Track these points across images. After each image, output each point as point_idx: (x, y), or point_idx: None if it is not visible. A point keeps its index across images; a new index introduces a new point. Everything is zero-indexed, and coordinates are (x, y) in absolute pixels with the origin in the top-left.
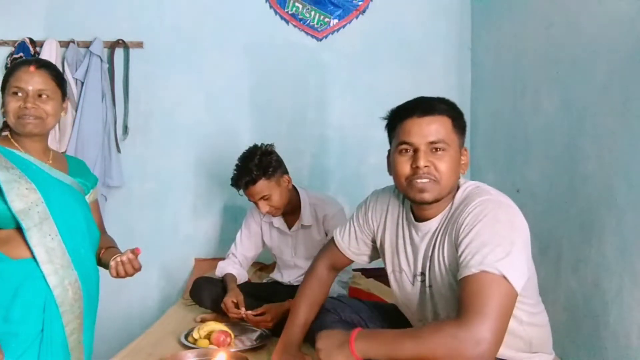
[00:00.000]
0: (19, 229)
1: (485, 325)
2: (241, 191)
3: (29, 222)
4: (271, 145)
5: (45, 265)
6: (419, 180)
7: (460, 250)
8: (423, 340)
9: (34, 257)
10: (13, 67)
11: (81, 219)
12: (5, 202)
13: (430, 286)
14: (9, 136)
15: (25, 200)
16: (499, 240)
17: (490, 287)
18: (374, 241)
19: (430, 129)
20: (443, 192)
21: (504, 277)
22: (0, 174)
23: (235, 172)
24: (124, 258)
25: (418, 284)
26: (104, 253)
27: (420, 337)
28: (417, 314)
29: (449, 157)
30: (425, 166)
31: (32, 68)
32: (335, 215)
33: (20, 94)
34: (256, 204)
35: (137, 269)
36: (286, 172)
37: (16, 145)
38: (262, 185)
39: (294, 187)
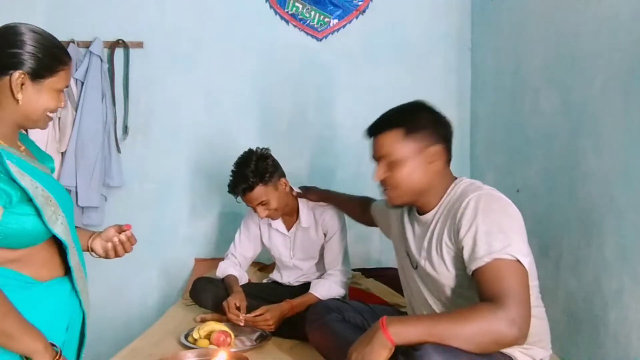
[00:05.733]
0: (40, 245)
1: (515, 306)
2: (239, 198)
3: (67, 239)
4: (267, 149)
5: (79, 282)
6: (382, 190)
7: (465, 246)
8: (459, 320)
9: (66, 275)
10: (59, 58)
11: (72, 216)
12: (43, 221)
13: (428, 274)
14: None
15: (55, 216)
16: (498, 228)
17: (508, 272)
18: (388, 225)
19: (379, 146)
20: (405, 196)
21: (517, 260)
22: (29, 189)
23: (231, 178)
24: (123, 237)
25: (418, 269)
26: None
27: (456, 318)
28: (416, 299)
29: (403, 166)
30: (380, 180)
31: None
32: (333, 215)
33: (60, 92)
34: (254, 209)
35: (134, 244)
36: (283, 176)
37: None
38: (260, 191)
39: (291, 188)
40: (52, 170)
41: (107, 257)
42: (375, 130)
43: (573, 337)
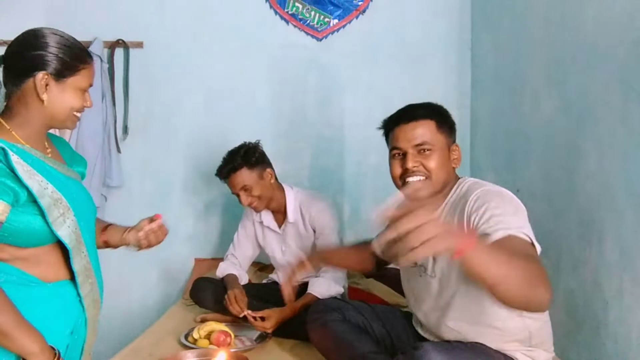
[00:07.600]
0: (49, 246)
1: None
2: (224, 182)
3: (71, 243)
4: (257, 141)
5: (83, 286)
6: (410, 179)
7: (478, 224)
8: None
9: (73, 279)
10: (80, 57)
11: (93, 222)
12: (47, 222)
13: (434, 276)
14: (4, 124)
15: (63, 218)
16: (512, 211)
17: (526, 247)
18: None
19: (415, 134)
20: (436, 186)
21: (532, 244)
22: (35, 188)
23: (221, 163)
24: (154, 226)
25: (427, 272)
26: (109, 231)
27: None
28: (422, 303)
29: (436, 155)
30: (414, 166)
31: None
32: (321, 210)
33: (84, 92)
34: (238, 195)
35: (166, 233)
36: (270, 167)
37: (17, 137)
38: (244, 175)
39: (280, 185)
40: (82, 175)
41: (140, 247)
42: (409, 117)
43: (573, 337)
